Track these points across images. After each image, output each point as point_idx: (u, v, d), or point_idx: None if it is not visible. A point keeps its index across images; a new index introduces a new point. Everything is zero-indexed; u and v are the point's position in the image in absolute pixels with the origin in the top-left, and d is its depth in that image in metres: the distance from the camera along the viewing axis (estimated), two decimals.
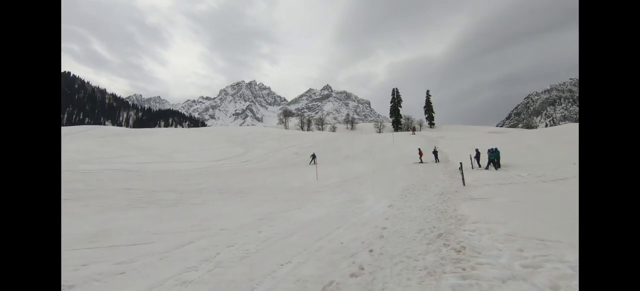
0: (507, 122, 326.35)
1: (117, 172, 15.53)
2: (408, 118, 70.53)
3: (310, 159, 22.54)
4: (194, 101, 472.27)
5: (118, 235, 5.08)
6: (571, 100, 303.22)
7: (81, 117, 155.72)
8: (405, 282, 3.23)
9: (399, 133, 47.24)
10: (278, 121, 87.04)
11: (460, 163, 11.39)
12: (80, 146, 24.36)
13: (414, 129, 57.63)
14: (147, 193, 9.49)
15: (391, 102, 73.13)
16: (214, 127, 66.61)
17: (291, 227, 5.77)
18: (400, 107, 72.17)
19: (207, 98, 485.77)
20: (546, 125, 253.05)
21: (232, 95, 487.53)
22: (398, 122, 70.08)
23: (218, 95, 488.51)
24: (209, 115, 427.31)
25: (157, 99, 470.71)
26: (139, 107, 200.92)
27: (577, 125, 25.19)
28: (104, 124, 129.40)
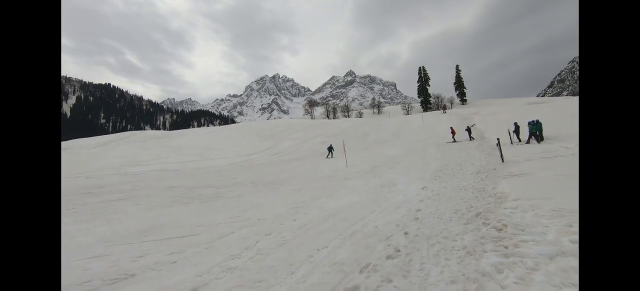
0: (549, 90, 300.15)
1: (160, 172, 16.71)
2: (437, 97, 67.44)
3: (328, 153, 20.07)
4: (222, 100, 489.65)
5: (167, 229, 5.52)
6: None
7: (123, 123, 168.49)
8: (444, 262, 3.19)
9: (429, 113, 45.42)
10: (304, 112, 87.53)
11: (497, 139, 10.77)
12: (125, 151, 26.47)
13: (444, 107, 55.05)
14: (188, 189, 10.14)
15: (418, 82, 70.25)
16: (242, 123, 68.77)
17: (325, 214, 5.88)
18: (428, 85, 69.10)
19: (234, 95, 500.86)
20: None
21: (257, 91, 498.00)
22: (427, 102, 67.30)
23: (244, 92, 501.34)
24: (237, 112, 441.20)
25: (189, 101, 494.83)
26: (173, 110, 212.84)
27: None
28: (144, 129, 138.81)
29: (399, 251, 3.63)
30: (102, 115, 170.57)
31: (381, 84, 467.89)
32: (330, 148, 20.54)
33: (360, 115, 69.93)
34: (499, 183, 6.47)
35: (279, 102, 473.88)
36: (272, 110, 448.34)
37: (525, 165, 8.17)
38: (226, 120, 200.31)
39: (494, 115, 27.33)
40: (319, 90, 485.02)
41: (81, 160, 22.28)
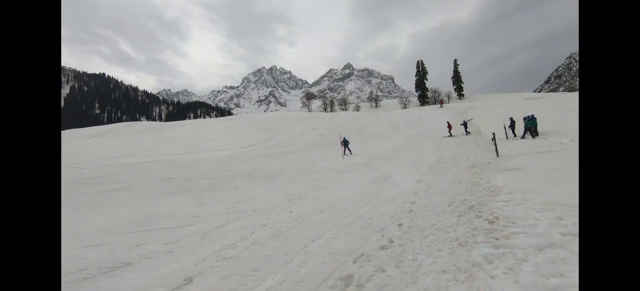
0: (546, 86, 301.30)
1: (156, 163, 16.65)
2: (435, 91, 67.49)
3: (343, 148, 16.30)
4: (219, 91, 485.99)
5: (163, 219, 5.54)
6: None
7: (119, 114, 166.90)
8: (436, 253, 3.26)
9: (426, 108, 45.53)
10: (301, 104, 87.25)
11: (493, 133, 10.85)
12: (121, 142, 26.30)
13: (442, 102, 55.19)
14: (185, 180, 10.13)
15: (416, 75, 70.13)
16: (239, 115, 68.46)
17: (320, 206, 5.94)
18: (426, 79, 69.03)
19: (231, 87, 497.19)
20: None
21: (254, 83, 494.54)
22: (424, 96, 67.34)
23: (241, 84, 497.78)
24: (234, 104, 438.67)
25: (185, 92, 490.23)
26: (169, 101, 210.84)
27: None
28: (140, 120, 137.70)
29: (392, 242, 3.69)
30: (97, 105, 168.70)
31: (379, 78, 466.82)
32: (345, 143, 16.45)
33: (357, 108, 69.86)
34: (493, 177, 6.55)
35: (276, 94, 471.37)
36: (269, 102, 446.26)
37: (520, 159, 8.26)
38: (223, 112, 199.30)
39: (491, 110, 27.47)
40: (316, 83, 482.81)
41: (76, 150, 22.11)
